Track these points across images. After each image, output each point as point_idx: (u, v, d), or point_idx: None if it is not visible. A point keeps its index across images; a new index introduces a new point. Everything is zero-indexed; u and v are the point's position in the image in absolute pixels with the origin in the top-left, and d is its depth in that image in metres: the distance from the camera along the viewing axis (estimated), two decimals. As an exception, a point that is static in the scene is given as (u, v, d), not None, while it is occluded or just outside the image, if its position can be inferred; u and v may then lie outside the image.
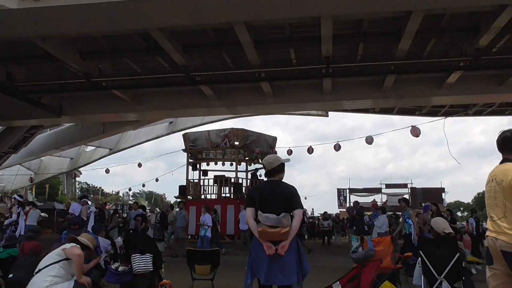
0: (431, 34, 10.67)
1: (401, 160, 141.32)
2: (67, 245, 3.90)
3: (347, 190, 44.10)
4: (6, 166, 30.91)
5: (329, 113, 24.78)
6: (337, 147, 17.56)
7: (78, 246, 3.91)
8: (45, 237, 10.32)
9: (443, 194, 37.96)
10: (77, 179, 47.83)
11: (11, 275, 3.77)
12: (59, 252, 3.81)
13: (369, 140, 16.20)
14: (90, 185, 64.80)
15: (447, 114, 18.20)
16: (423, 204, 32.54)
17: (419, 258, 6.20)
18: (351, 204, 42.94)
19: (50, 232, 21.38)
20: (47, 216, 24.68)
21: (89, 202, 11.12)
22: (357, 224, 13.91)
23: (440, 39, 11.04)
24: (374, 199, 41.06)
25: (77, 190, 57.79)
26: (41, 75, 13.59)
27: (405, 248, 9.92)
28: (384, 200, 41.41)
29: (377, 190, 42.19)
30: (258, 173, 19.11)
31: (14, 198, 10.32)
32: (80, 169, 38.40)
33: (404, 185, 41.10)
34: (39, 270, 3.72)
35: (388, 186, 41.87)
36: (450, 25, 10.23)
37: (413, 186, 40.04)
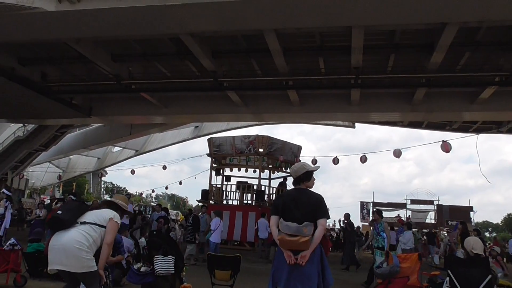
0: (465, 47, 10.41)
1: (428, 175, 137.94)
2: (114, 217, 3.93)
3: (371, 204, 43.21)
4: (36, 164, 31.91)
5: (356, 124, 24.51)
6: (363, 159, 17.29)
7: (119, 223, 3.93)
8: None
9: (471, 213, 36.67)
10: (103, 178, 48.80)
11: (59, 212, 3.80)
12: (106, 219, 3.86)
13: (397, 153, 15.86)
14: (115, 185, 66.06)
15: (479, 130, 17.65)
16: (449, 223, 31.59)
17: (447, 278, 5.97)
18: (372, 216, 42.28)
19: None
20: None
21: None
22: (348, 237, 13.58)
23: (475, 53, 10.74)
24: (398, 214, 40.19)
25: (102, 190, 58.97)
26: (73, 76, 13.99)
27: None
28: (408, 215, 40.43)
29: (402, 205, 41.18)
30: (286, 182, 18.93)
31: (3, 192, 10.37)
32: (106, 169, 39.21)
33: (430, 202, 39.96)
34: (84, 222, 3.79)
35: (413, 201, 40.79)
36: (486, 38, 9.95)
37: (439, 203, 38.89)
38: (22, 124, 25.22)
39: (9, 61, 12.60)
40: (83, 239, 3.64)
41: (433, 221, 38.37)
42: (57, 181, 36.84)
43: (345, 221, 13.80)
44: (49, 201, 19.87)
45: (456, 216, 31.76)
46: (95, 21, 8.98)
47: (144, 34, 10.21)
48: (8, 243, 6.70)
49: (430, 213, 41.11)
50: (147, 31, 9.61)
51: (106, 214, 3.90)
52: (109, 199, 4.17)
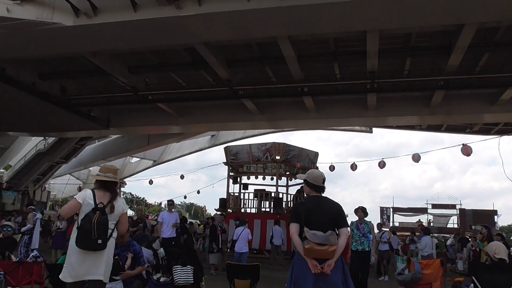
0: (484, 48, 10.19)
1: (449, 179, 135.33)
2: (126, 210, 4.04)
3: (391, 209, 42.53)
4: (57, 176, 32.54)
5: (373, 129, 24.25)
6: (382, 164, 17.07)
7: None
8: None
9: (495, 217, 35.60)
10: (122, 189, 49.36)
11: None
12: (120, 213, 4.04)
13: (416, 158, 15.61)
14: (134, 195, 66.73)
15: (501, 132, 17.21)
16: (473, 227, 30.78)
17: (472, 284, 5.80)
18: (394, 224, 41.47)
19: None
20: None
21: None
22: None
23: (494, 54, 10.51)
24: (419, 219, 39.43)
25: (122, 200, 59.57)
26: (91, 88, 14.24)
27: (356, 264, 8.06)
28: (429, 220, 39.63)
29: (423, 210, 40.39)
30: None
31: (31, 207, 10.56)
32: (125, 180, 39.63)
33: (452, 206, 39.08)
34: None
35: (434, 206, 39.95)
36: (505, 38, 9.73)
37: (462, 207, 38.01)
38: (43, 138, 25.80)
39: (30, 76, 12.91)
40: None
41: (455, 226, 37.52)
42: (77, 193, 37.44)
43: None
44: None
45: (480, 220, 30.99)
46: (111, 34, 9.14)
47: (159, 45, 10.34)
48: (31, 255, 6.80)
49: (453, 217, 40.19)
50: (162, 41, 9.73)
51: (121, 208, 4.13)
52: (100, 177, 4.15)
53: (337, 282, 3.50)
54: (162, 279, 4.44)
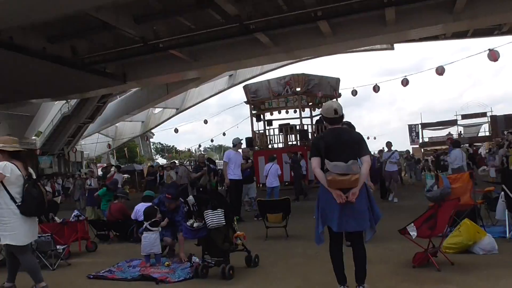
0: None
1: (479, 86, 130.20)
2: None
3: (419, 126, 41.90)
4: (87, 136, 33.47)
5: (395, 45, 23.26)
6: (405, 82, 16.41)
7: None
8: (130, 196, 11.03)
9: (530, 120, 34.42)
10: (151, 140, 50.42)
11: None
12: None
13: (440, 71, 14.87)
14: (164, 144, 68.22)
15: (532, 30, 16.16)
16: (505, 133, 30.04)
17: (502, 192, 5.75)
18: (424, 140, 40.97)
19: (134, 192, 22.98)
20: (129, 177, 26.66)
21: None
22: (296, 171, 13.48)
23: None
24: (449, 132, 38.81)
25: (152, 151, 61.23)
26: (102, 45, 14.10)
27: None
28: (459, 132, 38.97)
29: (452, 123, 39.55)
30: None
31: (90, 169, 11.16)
32: (152, 131, 40.38)
33: (483, 114, 37.98)
34: None
35: (464, 116, 38.95)
36: None
37: (493, 114, 36.79)
38: (65, 101, 26.25)
39: (39, 41, 12.84)
40: None
41: (487, 134, 36.77)
42: (108, 150, 38.55)
43: (291, 158, 13.87)
44: (101, 171, 20.89)
45: (513, 125, 30.09)
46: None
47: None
48: (72, 215, 7.13)
49: (484, 125, 39.34)
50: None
51: None
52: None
53: (363, 208, 3.51)
54: (195, 225, 4.58)
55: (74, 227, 6.74)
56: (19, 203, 3.97)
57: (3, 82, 15.71)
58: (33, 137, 30.23)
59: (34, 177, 4.17)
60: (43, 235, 5.67)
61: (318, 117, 19.36)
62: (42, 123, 29.33)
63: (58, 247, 5.77)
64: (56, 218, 7.19)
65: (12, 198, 3.95)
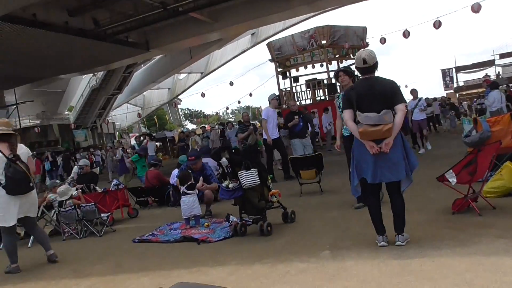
0: None
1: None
2: (30, 154, 4.59)
3: (453, 69, 40.07)
4: (117, 106, 34.14)
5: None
6: (438, 24, 15.55)
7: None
8: (164, 163, 11.44)
9: None
10: (179, 106, 50.95)
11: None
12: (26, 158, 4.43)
13: (476, 8, 13.95)
14: (192, 110, 68.76)
15: None
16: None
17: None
18: (458, 84, 39.17)
19: (168, 158, 23.50)
20: (161, 144, 27.24)
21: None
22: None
23: None
24: (486, 74, 37.00)
25: (181, 117, 61.96)
26: (122, 14, 14.03)
27: None
28: (498, 72, 37.07)
29: (490, 63, 37.51)
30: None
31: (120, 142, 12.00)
32: (179, 97, 40.64)
33: (524, 51, 35.82)
34: None
35: (502, 56, 36.75)
36: None
37: (534, 50, 34.59)
38: (92, 74, 26.65)
39: (60, 15, 12.92)
40: None
41: (528, 72, 34.87)
42: (138, 119, 39.27)
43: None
44: (134, 140, 21.60)
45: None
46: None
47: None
48: (112, 184, 7.41)
49: (524, 64, 37.16)
50: None
51: None
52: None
53: (398, 159, 3.43)
54: (230, 185, 4.66)
55: (115, 195, 7.03)
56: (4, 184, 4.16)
57: (31, 60, 16.06)
58: (66, 112, 31.13)
59: (13, 157, 4.26)
60: (87, 204, 5.95)
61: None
62: (73, 97, 30.08)
63: (102, 215, 6.05)
64: (97, 188, 7.49)
65: None
